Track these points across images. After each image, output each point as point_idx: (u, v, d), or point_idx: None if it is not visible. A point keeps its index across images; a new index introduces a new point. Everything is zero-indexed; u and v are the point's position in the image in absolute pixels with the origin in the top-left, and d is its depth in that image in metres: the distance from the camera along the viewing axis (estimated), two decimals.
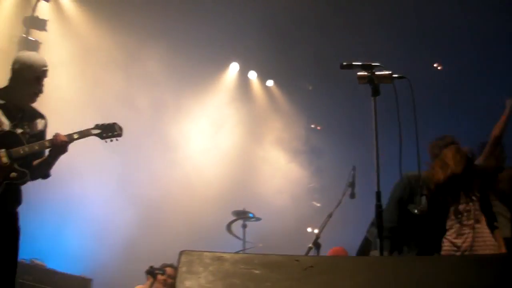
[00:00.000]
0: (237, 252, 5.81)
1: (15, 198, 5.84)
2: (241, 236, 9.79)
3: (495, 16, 10.51)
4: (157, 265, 9.18)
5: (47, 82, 10.33)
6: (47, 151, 5.97)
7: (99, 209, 11.02)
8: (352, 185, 7.40)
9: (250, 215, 9.84)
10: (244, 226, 9.92)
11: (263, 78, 14.06)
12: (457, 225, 6.27)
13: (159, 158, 12.24)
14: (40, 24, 11.55)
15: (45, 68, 5.95)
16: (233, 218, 9.88)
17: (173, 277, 9.12)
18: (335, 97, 12.34)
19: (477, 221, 6.28)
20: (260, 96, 14.06)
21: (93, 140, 10.48)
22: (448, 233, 6.28)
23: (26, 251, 9.53)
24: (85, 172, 11.10)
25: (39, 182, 9.70)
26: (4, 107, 5.78)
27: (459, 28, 10.74)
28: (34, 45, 11.34)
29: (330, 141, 13.16)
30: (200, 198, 12.01)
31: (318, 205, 12.58)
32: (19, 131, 5.80)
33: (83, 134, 6.10)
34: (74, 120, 10.46)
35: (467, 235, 6.27)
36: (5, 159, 5.59)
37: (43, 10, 11.69)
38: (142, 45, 12.10)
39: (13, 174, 5.67)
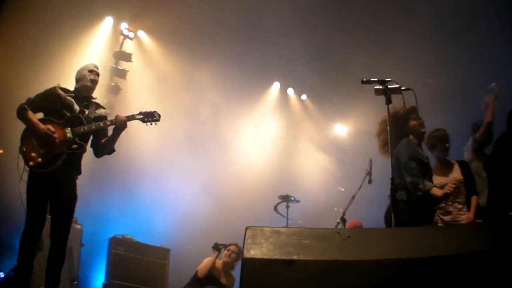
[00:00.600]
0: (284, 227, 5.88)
1: (76, 168, 6.19)
2: (285, 214, 9.84)
3: None
4: (221, 241, 9.14)
5: (133, 100, 10.55)
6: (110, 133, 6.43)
7: (180, 197, 11.24)
8: (369, 173, 7.76)
9: (292, 198, 9.92)
10: (287, 207, 10.01)
11: (298, 93, 14.21)
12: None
13: (221, 157, 12.44)
14: (126, 57, 11.86)
15: (93, 66, 6.54)
16: (279, 201, 9.98)
17: (235, 252, 9.18)
18: (354, 105, 12.28)
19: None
20: (297, 107, 14.19)
21: (178, 148, 10.73)
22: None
23: (120, 228, 9.72)
24: (172, 171, 11.48)
25: (141, 181, 9.89)
26: (75, 98, 6.27)
27: None
28: (122, 73, 11.81)
29: (350, 139, 13.13)
30: (253, 186, 12.09)
31: (343, 189, 12.52)
32: (84, 115, 6.26)
33: (131, 117, 6.47)
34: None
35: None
36: (69, 135, 6.02)
37: (128, 46, 11.95)
38: (198, 67, 12.27)
39: (74, 146, 6.04)
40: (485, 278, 3.13)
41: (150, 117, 6.71)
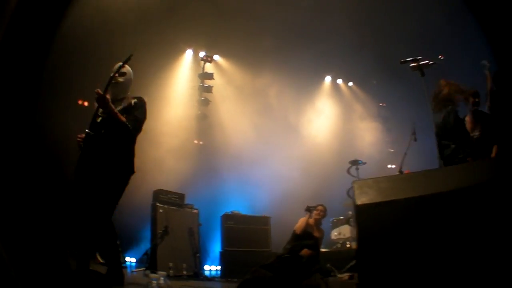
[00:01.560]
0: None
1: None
2: (356, 175, 9.89)
3: None
4: (310, 203, 9.35)
5: (219, 110, 10.61)
6: None
7: (275, 173, 11.32)
8: (414, 132, 7.56)
9: (359, 161, 9.90)
10: (357, 169, 10.03)
11: (346, 81, 14.24)
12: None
13: (297, 142, 12.45)
14: (209, 76, 12.20)
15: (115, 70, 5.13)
16: (349, 165, 10.03)
17: (322, 211, 9.31)
18: (392, 86, 12.16)
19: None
20: (346, 93, 14.28)
21: (267, 138, 11.14)
22: None
23: (229, 206, 9.89)
24: (270, 156, 11.61)
25: (241, 167, 11.03)
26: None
27: None
28: (208, 89, 12.14)
29: (392, 111, 13.05)
30: (327, 157, 12.26)
31: (392, 150, 12.52)
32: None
33: (110, 79, 5.02)
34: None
35: None
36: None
37: (209, 67, 12.23)
38: (264, 73, 12.34)
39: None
40: None
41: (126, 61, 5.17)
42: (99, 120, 5.04)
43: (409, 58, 6.01)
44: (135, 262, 9.12)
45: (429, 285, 2.90)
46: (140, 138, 5.31)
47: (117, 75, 5.15)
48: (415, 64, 5.94)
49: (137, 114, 5.19)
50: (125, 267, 8.40)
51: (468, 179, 3.25)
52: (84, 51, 8.79)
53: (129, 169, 5.18)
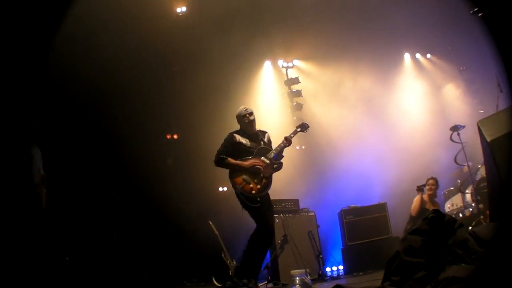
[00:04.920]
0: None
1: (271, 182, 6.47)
2: (459, 141, 9.66)
3: None
4: (419, 182, 9.49)
5: (312, 112, 10.83)
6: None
7: (379, 159, 11.46)
8: (498, 84, 7.46)
9: (459, 126, 9.72)
10: (458, 134, 9.61)
11: (424, 54, 14.13)
12: None
13: (392, 125, 12.56)
14: (295, 81, 12.49)
15: (244, 110, 6.69)
16: (450, 132, 9.82)
17: (434, 184, 9.36)
18: (464, 46, 12.03)
19: None
20: (427, 65, 14.16)
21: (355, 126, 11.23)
22: None
23: (343, 203, 10.01)
24: (369, 144, 11.70)
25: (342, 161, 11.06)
26: (248, 137, 6.65)
27: None
28: (297, 93, 12.43)
29: (475, 72, 12.79)
30: (425, 132, 12.35)
31: (482, 111, 12.27)
32: (263, 144, 6.63)
33: (294, 133, 6.80)
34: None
35: None
36: (267, 161, 6.39)
37: (292, 72, 12.59)
38: (344, 66, 12.51)
39: (275, 166, 6.46)
40: None
41: (304, 127, 7.00)
42: (272, 154, 6.49)
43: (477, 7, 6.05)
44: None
45: None
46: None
47: (250, 116, 6.63)
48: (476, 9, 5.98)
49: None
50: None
51: None
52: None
53: None
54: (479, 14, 5.98)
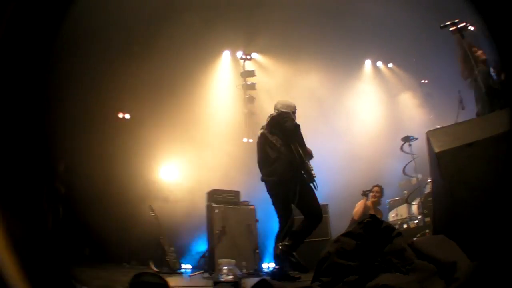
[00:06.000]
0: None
1: None
2: (410, 151, 9.77)
3: None
4: (365, 187, 9.58)
5: (265, 106, 10.96)
6: None
7: (327, 163, 10.84)
8: (461, 101, 7.55)
9: (411, 137, 9.79)
10: (410, 145, 9.82)
11: (386, 63, 14.24)
12: None
13: (345, 129, 12.52)
14: (251, 73, 12.34)
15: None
16: (402, 142, 9.92)
17: (379, 192, 9.41)
18: (431, 61, 12.13)
19: None
20: (387, 74, 14.31)
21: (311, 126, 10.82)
22: None
23: None
24: (319, 145, 10.89)
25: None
26: None
27: None
28: (251, 86, 12.31)
29: (436, 87, 12.86)
30: (378, 140, 12.31)
31: (438, 126, 12.42)
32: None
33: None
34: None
35: None
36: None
37: (249, 65, 12.44)
38: (303, 66, 12.41)
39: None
40: None
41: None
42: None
43: (447, 22, 6.18)
44: (191, 268, 9.12)
45: None
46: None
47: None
48: (454, 27, 6.09)
49: None
50: (181, 273, 8.47)
51: None
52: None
53: None
54: (450, 29, 6.04)
